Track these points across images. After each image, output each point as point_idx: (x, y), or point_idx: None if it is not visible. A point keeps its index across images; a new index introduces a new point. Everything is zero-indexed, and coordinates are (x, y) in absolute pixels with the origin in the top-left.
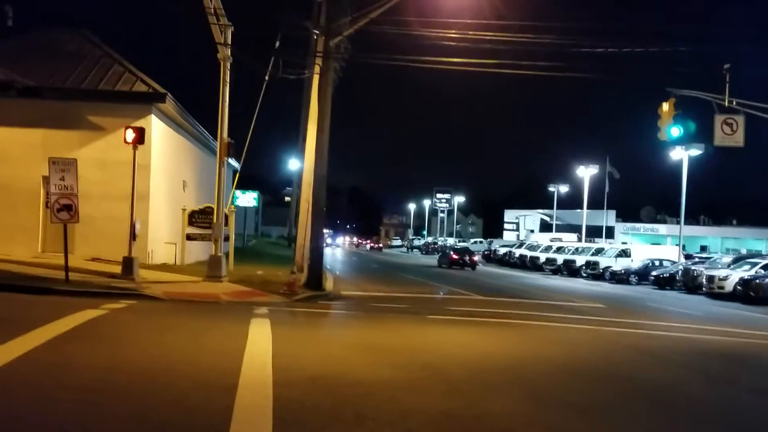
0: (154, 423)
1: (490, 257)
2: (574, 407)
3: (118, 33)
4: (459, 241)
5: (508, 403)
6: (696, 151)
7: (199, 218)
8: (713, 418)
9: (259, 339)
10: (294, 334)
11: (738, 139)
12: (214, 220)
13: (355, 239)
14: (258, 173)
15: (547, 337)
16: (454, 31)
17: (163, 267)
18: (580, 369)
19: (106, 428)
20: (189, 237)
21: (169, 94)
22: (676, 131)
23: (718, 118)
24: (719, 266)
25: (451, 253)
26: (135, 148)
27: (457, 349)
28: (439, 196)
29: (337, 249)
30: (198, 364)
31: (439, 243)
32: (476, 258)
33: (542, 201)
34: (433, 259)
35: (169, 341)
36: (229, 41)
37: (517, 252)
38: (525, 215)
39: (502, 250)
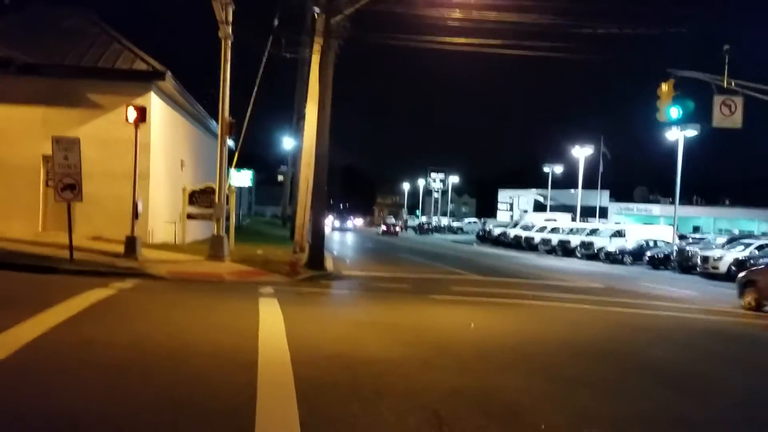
0: (179, 398)
1: (485, 237)
2: (581, 383)
3: (116, 11)
4: (453, 221)
5: (517, 379)
6: (692, 132)
7: (200, 198)
8: (716, 393)
9: (271, 318)
10: (304, 313)
11: (736, 121)
12: (216, 200)
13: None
14: (251, 151)
15: (549, 317)
16: (454, 9)
17: (164, 246)
18: (585, 347)
19: (134, 405)
20: (190, 216)
21: (168, 71)
22: (675, 112)
23: (717, 99)
24: (713, 247)
25: (383, 226)
26: (137, 126)
27: (463, 328)
28: (433, 175)
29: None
30: (215, 342)
31: (432, 223)
32: (398, 229)
33: (536, 181)
34: (425, 238)
35: (183, 320)
36: (230, 19)
37: (512, 232)
38: (519, 195)
39: (497, 231)
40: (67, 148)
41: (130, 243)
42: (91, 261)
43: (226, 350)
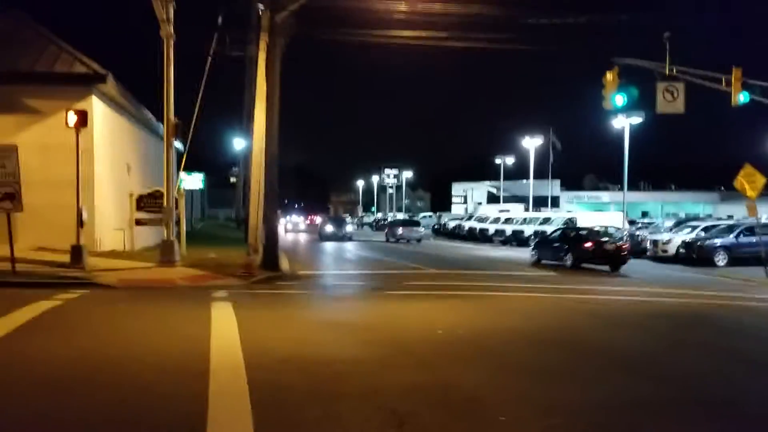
0: (128, 413)
1: (441, 231)
2: (540, 374)
3: (51, 12)
4: (410, 216)
5: (476, 373)
6: (637, 119)
7: (148, 202)
8: (669, 376)
9: (224, 323)
10: (258, 316)
11: (679, 106)
12: (165, 204)
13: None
14: (202, 154)
15: (505, 308)
16: (400, 2)
17: (112, 254)
18: (542, 337)
19: (81, 423)
20: (138, 222)
21: (110, 74)
22: (620, 99)
23: (660, 86)
24: (662, 230)
25: (285, 224)
26: (78, 131)
27: (420, 323)
28: (387, 171)
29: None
30: (166, 351)
31: (388, 219)
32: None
33: (489, 173)
34: (381, 234)
35: (132, 329)
36: (172, 17)
37: (467, 225)
38: (472, 188)
39: (452, 224)
40: (4, 155)
41: (76, 252)
42: (36, 272)
43: (177, 359)
